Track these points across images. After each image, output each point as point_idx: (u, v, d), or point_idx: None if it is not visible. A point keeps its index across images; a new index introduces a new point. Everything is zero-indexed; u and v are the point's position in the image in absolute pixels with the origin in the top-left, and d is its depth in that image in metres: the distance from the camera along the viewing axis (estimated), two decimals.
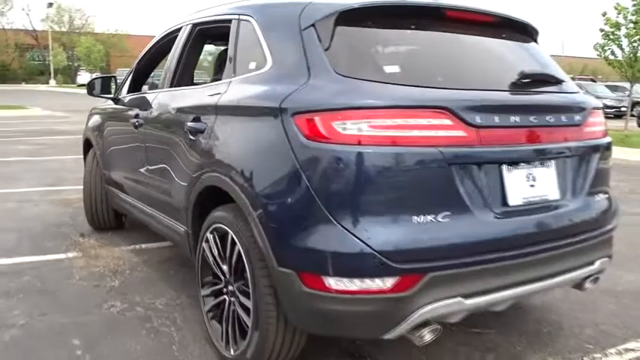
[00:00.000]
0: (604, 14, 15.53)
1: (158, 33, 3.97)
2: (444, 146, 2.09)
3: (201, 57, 3.85)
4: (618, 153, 10.44)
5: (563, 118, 2.48)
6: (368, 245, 1.98)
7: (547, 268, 2.35)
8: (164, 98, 3.42)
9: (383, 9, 2.40)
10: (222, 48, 3.93)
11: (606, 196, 2.67)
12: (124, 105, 4.10)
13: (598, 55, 16.55)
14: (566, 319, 3.16)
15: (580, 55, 58.54)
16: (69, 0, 65.47)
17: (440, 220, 2.08)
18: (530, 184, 2.34)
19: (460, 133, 2.13)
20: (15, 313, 3.12)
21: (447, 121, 2.11)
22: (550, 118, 2.41)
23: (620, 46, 15.69)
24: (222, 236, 2.56)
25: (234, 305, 2.52)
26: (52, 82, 52.72)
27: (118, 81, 4.56)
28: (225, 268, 2.59)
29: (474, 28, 2.58)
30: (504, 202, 2.25)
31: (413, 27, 2.44)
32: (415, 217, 2.04)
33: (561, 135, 2.47)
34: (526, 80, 2.47)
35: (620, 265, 3.88)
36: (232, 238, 2.46)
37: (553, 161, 2.42)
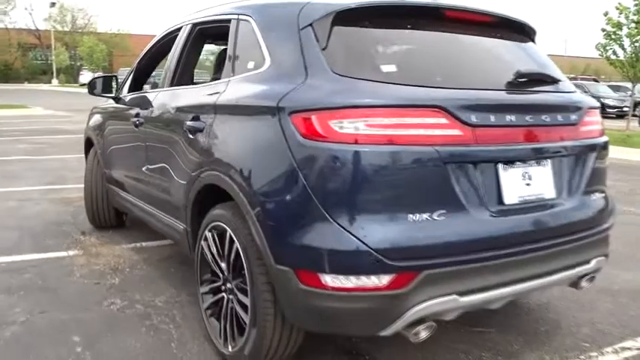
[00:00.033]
0: (605, 14, 15.51)
1: (159, 32, 4.00)
2: (440, 145, 2.10)
3: (203, 57, 3.87)
4: (619, 153, 10.47)
5: (560, 118, 2.49)
6: (364, 243, 2.00)
7: (542, 267, 2.37)
8: (164, 97, 3.45)
9: (380, 9, 2.41)
10: (222, 47, 3.95)
11: (602, 195, 2.69)
12: (124, 104, 4.13)
13: (600, 55, 16.53)
14: (563, 318, 3.17)
15: (583, 55, 58.46)
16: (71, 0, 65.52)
17: (435, 218, 2.10)
18: (526, 183, 2.35)
19: (456, 132, 2.15)
20: (16, 310, 3.15)
21: (443, 120, 2.12)
22: (546, 118, 2.43)
23: (621, 46, 15.67)
24: (221, 234, 2.58)
25: (233, 302, 2.55)
26: (55, 81, 52.85)
27: (119, 80, 4.58)
28: (223, 265, 2.61)
29: (471, 27, 2.59)
30: (500, 201, 2.26)
31: (410, 27, 2.45)
32: (411, 216, 2.06)
33: (557, 134, 2.48)
34: (522, 80, 2.48)
35: (618, 264, 3.90)
36: (231, 236, 2.48)
37: (549, 160, 2.44)
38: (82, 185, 4.93)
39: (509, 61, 2.67)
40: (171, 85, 3.43)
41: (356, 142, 2.03)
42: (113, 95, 4.36)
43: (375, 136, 2.04)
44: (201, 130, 2.76)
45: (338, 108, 2.07)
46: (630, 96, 18.29)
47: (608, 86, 27.42)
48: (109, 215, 4.75)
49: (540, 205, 2.39)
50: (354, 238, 2.01)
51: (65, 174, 7.45)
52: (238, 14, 2.85)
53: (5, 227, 4.85)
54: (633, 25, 15.05)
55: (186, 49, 3.42)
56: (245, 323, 2.42)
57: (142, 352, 2.70)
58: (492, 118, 2.25)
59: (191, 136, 2.84)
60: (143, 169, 3.65)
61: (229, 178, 2.45)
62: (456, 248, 2.12)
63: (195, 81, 3.71)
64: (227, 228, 2.50)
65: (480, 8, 2.59)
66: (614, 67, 16.57)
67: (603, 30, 15.69)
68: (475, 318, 2.98)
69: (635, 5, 14.87)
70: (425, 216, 2.08)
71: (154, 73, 4.55)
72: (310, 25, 2.33)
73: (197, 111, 2.87)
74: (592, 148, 2.60)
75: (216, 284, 2.71)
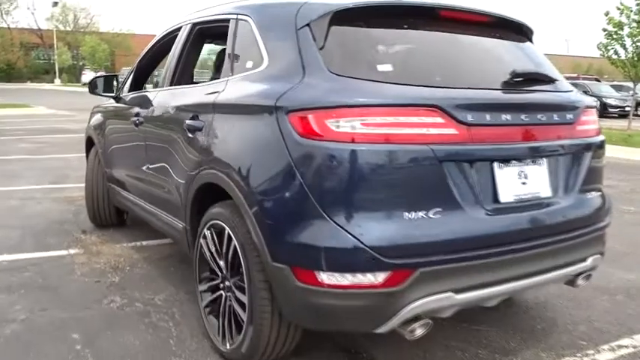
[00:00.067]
0: (607, 14, 15.50)
1: (159, 32, 4.02)
2: (436, 144, 2.12)
3: (204, 56, 3.89)
4: (621, 153, 10.48)
5: (556, 117, 2.51)
6: (360, 241, 2.02)
7: (538, 265, 2.38)
8: (164, 97, 3.47)
9: (377, 9, 2.43)
10: (222, 47, 3.97)
11: (599, 193, 2.70)
12: (125, 103, 4.15)
13: (601, 54, 16.52)
14: (560, 316, 3.19)
15: (585, 54, 58.38)
16: None
17: (431, 216, 2.11)
18: (521, 182, 2.37)
19: (451, 130, 2.16)
20: (16, 308, 3.17)
21: (439, 119, 2.14)
22: (542, 117, 2.44)
23: (623, 46, 15.66)
24: (219, 232, 2.60)
25: (231, 300, 2.56)
26: (57, 80, 53.00)
27: (120, 80, 4.60)
28: (222, 263, 2.63)
29: (468, 27, 2.61)
30: (495, 199, 2.28)
31: (407, 26, 2.47)
32: (407, 214, 2.08)
33: (553, 133, 2.50)
34: (519, 79, 2.50)
35: (614, 262, 3.92)
36: (229, 234, 2.50)
37: (545, 159, 2.45)
38: (84, 184, 4.96)
39: (506, 60, 2.68)
40: (171, 84, 3.45)
41: (352, 141, 2.05)
42: (114, 95, 4.39)
43: (372, 135, 2.06)
44: (200, 129, 2.78)
45: (334, 107, 2.09)
46: (632, 96, 18.25)
47: (611, 86, 27.35)
48: (109, 214, 4.78)
49: (536, 203, 2.40)
50: (351, 236, 2.03)
51: (67, 173, 7.48)
52: (237, 14, 2.88)
53: (7, 226, 4.88)
54: (635, 24, 15.03)
55: (186, 48, 3.44)
56: (243, 321, 2.44)
57: (141, 350, 2.72)
58: (488, 117, 2.27)
59: (190, 135, 2.86)
60: (143, 168, 3.67)
61: (227, 177, 2.47)
62: (452, 246, 2.14)
63: (195, 80, 3.73)
64: (225, 226, 2.52)
65: (476, 8, 2.60)
66: (615, 66, 16.55)
67: (604, 30, 15.67)
68: (472, 315, 3.00)
69: (637, 5, 14.85)
70: (421, 214, 2.10)
71: (157, 73, 4.57)
72: (308, 24, 2.35)
73: (196, 110, 2.89)
74: (588, 147, 2.62)
75: (214, 282, 2.73)
